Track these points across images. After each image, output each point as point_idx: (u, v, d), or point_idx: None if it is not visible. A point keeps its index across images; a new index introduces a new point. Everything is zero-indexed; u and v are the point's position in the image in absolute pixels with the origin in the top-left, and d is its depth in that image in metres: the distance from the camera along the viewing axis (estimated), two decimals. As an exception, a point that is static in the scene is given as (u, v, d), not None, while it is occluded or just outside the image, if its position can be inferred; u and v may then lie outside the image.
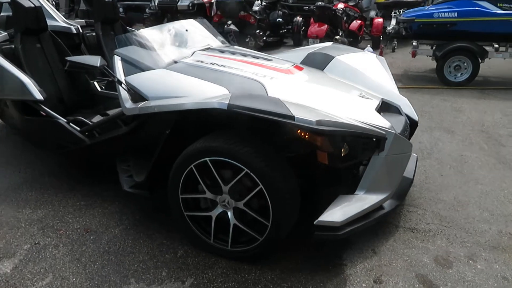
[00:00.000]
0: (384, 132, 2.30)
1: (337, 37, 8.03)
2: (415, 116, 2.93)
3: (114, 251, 2.38)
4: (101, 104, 3.56)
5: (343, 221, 2.14)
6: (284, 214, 2.09)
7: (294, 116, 1.95)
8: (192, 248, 2.40)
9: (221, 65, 2.86)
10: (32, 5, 3.20)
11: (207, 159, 2.13)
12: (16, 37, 3.23)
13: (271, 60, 3.10)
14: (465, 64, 5.99)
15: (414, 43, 6.77)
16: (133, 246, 2.43)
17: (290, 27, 9.42)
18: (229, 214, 2.22)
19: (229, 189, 2.16)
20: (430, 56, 6.40)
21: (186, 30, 3.27)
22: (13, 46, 3.24)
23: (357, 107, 2.57)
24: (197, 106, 2.08)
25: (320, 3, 8.08)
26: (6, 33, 3.41)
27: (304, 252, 2.34)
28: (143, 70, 2.73)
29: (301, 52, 3.61)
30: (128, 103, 2.57)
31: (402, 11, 9.56)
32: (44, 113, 3.18)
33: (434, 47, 6.33)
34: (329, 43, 3.80)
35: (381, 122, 2.55)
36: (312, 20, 8.71)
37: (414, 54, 6.40)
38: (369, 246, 2.42)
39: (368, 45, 7.64)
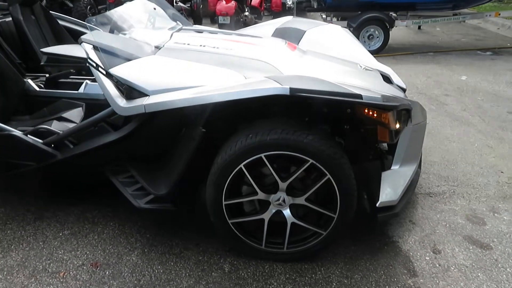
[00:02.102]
0: (410, 103, 2.28)
1: (246, 13, 7.88)
2: (403, 85, 2.99)
3: (148, 284, 1.95)
4: (41, 106, 2.85)
5: (398, 198, 2.10)
6: (351, 202, 1.94)
7: (361, 95, 1.78)
8: (237, 258, 2.10)
9: (214, 47, 2.51)
10: None
11: (262, 155, 1.84)
12: (14, 9, 2.83)
13: (261, 37, 2.83)
14: (377, 32, 6.41)
15: (323, 16, 7.01)
16: (167, 272, 2.02)
17: (189, 5, 8.92)
18: (285, 213, 1.98)
19: (287, 186, 1.91)
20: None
21: (155, 9, 2.78)
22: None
23: (374, 80, 2.50)
24: (255, 93, 1.75)
25: (225, -22, 7.76)
26: None
27: (345, 239, 2.21)
28: (127, 60, 2.24)
29: (266, 28, 3.40)
30: (121, 101, 2.08)
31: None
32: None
33: (347, 19, 6.63)
34: (290, 17, 3.64)
35: (400, 93, 2.54)
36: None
37: (332, 26, 6.59)
38: (404, 218, 2.42)
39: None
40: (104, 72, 2.08)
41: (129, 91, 2.10)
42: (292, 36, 3.13)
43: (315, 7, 6.87)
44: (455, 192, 2.67)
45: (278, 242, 2.05)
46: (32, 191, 2.68)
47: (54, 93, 2.87)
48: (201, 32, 2.89)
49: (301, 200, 1.94)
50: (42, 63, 1.98)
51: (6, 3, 3.43)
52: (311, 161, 1.83)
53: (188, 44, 2.53)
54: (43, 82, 3.01)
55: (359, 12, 6.43)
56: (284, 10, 9.33)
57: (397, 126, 2.04)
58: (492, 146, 3.29)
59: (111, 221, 2.40)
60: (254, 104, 1.95)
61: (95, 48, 2.27)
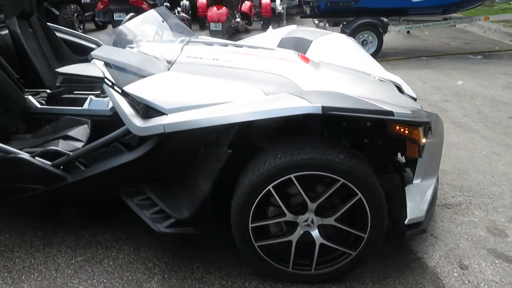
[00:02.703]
0: (428, 114, 2.26)
1: (238, 19, 7.82)
2: (413, 94, 2.96)
3: (172, 313, 1.86)
4: (43, 124, 2.71)
5: (424, 213, 2.06)
6: (382, 221, 1.89)
7: (392, 111, 1.74)
8: (262, 282, 2.02)
9: (227, 60, 2.44)
10: None
11: (292, 175, 1.77)
12: (11, 22, 2.80)
13: (274, 50, 2.77)
14: (371, 38, 6.42)
15: (315, 22, 7.00)
16: (192, 299, 1.93)
17: (178, 11, 8.80)
18: (314, 233, 1.91)
19: (316, 206, 1.85)
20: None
21: (163, 21, 2.68)
22: None
23: (390, 92, 2.47)
24: (286, 112, 1.69)
25: (216, -16, 7.69)
26: None
27: (369, 257, 2.14)
28: (141, 76, 2.15)
29: (271, 38, 3.36)
30: (137, 121, 1.99)
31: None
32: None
33: (341, 25, 6.64)
34: (293, 26, 3.60)
35: (415, 104, 2.51)
36: (204, 3, 8.30)
37: (326, 32, 6.57)
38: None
39: (270, 26, 7.60)
40: (120, 91, 1.98)
41: (145, 110, 2.01)
42: (299, 46, 3.08)
43: (307, 13, 6.85)
44: (472, 203, 2.65)
45: (305, 264, 1.98)
46: (37, 215, 2.55)
47: (57, 109, 2.74)
48: (211, 45, 2.80)
49: (330, 221, 1.88)
50: (57, 84, 1.87)
51: (2, 16, 3.30)
52: (342, 180, 1.78)
53: (201, 58, 2.45)
54: (44, 98, 2.88)
55: (353, 18, 6.44)
56: (274, 16, 9.30)
57: (424, 140, 2.00)
58: (499, 154, 3.30)
59: (125, 244, 2.29)
60: (275, 122, 1.89)
61: (107, 64, 2.17)
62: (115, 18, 7.00)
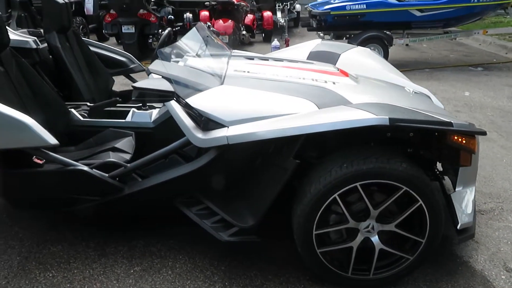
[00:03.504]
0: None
1: (244, 32, 7.95)
2: (441, 105, 3.10)
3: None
4: (86, 136, 2.76)
5: (472, 219, 2.16)
6: (440, 227, 1.98)
7: (451, 122, 1.85)
8: (321, 287, 2.09)
9: (273, 74, 2.54)
10: (63, 2, 3.01)
11: (358, 184, 1.86)
12: (51, 37, 2.92)
13: (313, 63, 2.88)
14: (377, 51, 6.60)
15: (320, 34, 7.17)
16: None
17: (181, 24, 8.90)
18: (373, 239, 2.00)
19: (378, 213, 1.94)
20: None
21: (207, 36, 2.77)
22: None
23: (428, 104, 2.59)
24: (354, 124, 1.78)
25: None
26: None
27: None
28: (198, 90, 2.22)
29: (298, 52, 3.46)
30: (199, 133, 2.06)
31: (284, 5, 10.06)
32: (40, 161, 2.33)
33: (348, 37, 6.82)
34: (318, 40, 3.71)
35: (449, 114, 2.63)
36: (207, 15, 8.42)
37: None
38: (466, 237, 2.49)
39: (275, 39, 7.77)
40: (184, 103, 2.05)
41: (207, 122, 2.08)
42: (328, 60, 3.19)
43: (314, 26, 7.01)
44: (504, 209, 2.77)
45: (363, 269, 2.06)
46: (84, 225, 2.57)
47: (100, 122, 2.79)
48: (252, 59, 2.90)
49: (390, 227, 1.97)
50: (133, 99, 1.93)
51: (38, 30, 3.35)
52: (405, 188, 1.87)
53: (248, 72, 2.54)
54: (86, 111, 2.93)
55: (358, 31, 6.62)
56: (275, 28, 9.47)
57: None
58: (520, 161, 3.45)
59: (179, 254, 2.34)
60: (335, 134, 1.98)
61: (164, 78, 2.24)
62: (123, 31, 7.04)
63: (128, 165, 2.26)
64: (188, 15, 8.89)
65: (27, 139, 2.05)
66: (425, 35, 7.02)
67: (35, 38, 2.88)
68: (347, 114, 1.89)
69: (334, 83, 2.51)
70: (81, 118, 2.80)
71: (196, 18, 9.08)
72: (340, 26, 6.70)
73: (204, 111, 2.09)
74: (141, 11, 7.07)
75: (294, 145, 1.95)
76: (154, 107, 2.92)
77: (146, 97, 1.91)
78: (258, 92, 2.26)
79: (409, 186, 1.87)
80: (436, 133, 2.05)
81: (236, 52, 3.14)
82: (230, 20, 7.68)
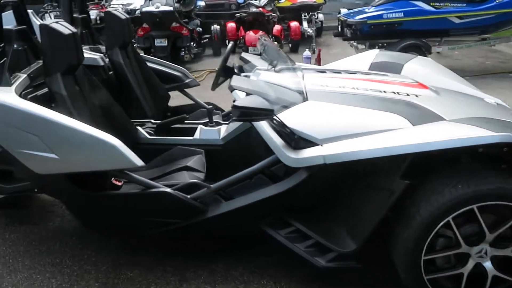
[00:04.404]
0: None
1: (275, 42, 7.88)
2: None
3: None
4: (153, 155, 2.67)
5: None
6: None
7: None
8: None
9: (353, 88, 2.42)
10: (125, 17, 2.98)
11: (474, 206, 1.73)
12: (113, 53, 2.91)
13: (387, 75, 2.76)
14: (415, 59, 6.46)
15: (354, 44, 7.06)
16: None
17: (209, 36, 8.89)
18: (486, 265, 1.85)
19: (494, 237, 1.80)
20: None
21: (280, 49, 2.67)
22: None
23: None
24: (474, 142, 1.66)
25: (254, 9, 7.79)
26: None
27: None
28: (284, 107, 2.12)
29: (358, 63, 3.35)
30: (290, 151, 1.96)
31: (311, 14, 10.01)
32: (119, 183, 2.25)
33: (380, 46, 6.69)
34: (376, 51, 3.60)
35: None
36: (234, 27, 8.39)
37: (370, 55, 6.61)
38: None
39: (307, 49, 7.67)
40: (278, 121, 1.95)
41: (298, 140, 1.98)
42: (391, 70, 3.07)
43: (348, 35, 6.91)
44: None
45: (472, 297, 1.91)
46: (157, 247, 2.47)
47: (168, 140, 2.72)
48: (324, 72, 2.79)
49: (507, 252, 1.83)
50: (234, 118, 1.84)
51: (97, 46, 3.30)
52: (526, 210, 1.73)
53: (327, 86, 2.43)
54: (151, 129, 2.85)
55: (395, 40, 6.50)
56: (303, 39, 9.39)
57: None
58: None
59: (262, 278, 2.22)
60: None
61: (248, 95, 2.15)
62: (156, 44, 7.03)
63: (212, 186, 2.16)
64: (216, 27, 8.88)
65: (115, 161, 1.98)
66: (463, 43, 6.86)
67: (102, 55, 2.83)
68: (459, 131, 1.77)
69: (416, 96, 2.39)
70: (148, 136, 2.73)
71: (223, 30, 9.06)
72: (376, 35, 6.58)
73: (294, 128, 1.99)
74: (174, 24, 7.06)
75: (400, 164, 1.82)
76: (221, 124, 2.83)
77: (247, 116, 1.81)
78: (346, 108, 2.15)
79: (530, 208, 1.73)
80: None
81: (303, 65, 3.04)
82: (260, 31, 7.62)
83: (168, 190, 2.11)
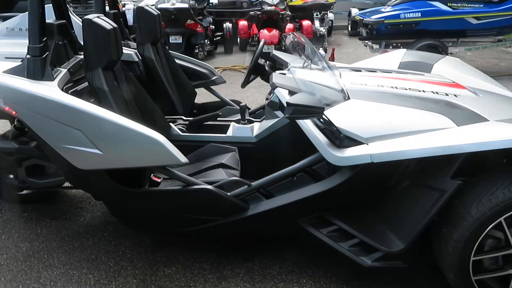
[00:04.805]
0: None
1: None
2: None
3: None
4: (185, 151, 2.64)
5: None
6: None
7: None
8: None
9: (392, 87, 2.40)
10: (157, 14, 2.98)
11: (528, 207, 1.71)
12: (145, 49, 2.89)
13: (423, 74, 2.74)
14: (431, 59, 6.44)
15: (369, 44, 7.02)
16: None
17: (221, 33, 8.86)
18: (535, 266, 1.84)
19: (544, 237, 1.78)
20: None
21: (323, 48, 2.65)
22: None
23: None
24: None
25: (268, 7, 7.76)
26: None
27: None
28: (327, 106, 2.10)
29: (386, 62, 3.33)
30: (335, 150, 1.94)
31: (323, 13, 9.98)
32: (158, 179, 2.24)
33: (394, 46, 6.67)
34: (403, 50, 3.57)
35: None
36: (246, 25, 8.38)
37: (387, 54, 6.58)
38: None
39: (320, 48, 7.66)
40: (325, 119, 1.93)
41: (343, 139, 1.96)
42: (422, 70, 3.05)
43: (364, 35, 6.88)
44: None
45: (517, 298, 1.90)
46: (190, 244, 2.46)
47: (201, 137, 2.70)
48: (359, 71, 2.77)
49: (561, 252, 1.81)
50: (286, 116, 1.81)
51: (127, 42, 3.29)
52: None
53: (366, 84, 2.41)
54: (183, 126, 2.84)
55: (411, 40, 6.47)
56: (315, 38, 9.36)
57: None
58: None
59: (301, 277, 2.21)
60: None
61: (291, 92, 2.14)
62: (171, 41, 7.02)
63: (253, 183, 2.14)
64: (228, 25, 8.85)
65: (160, 157, 1.97)
66: (479, 43, 6.83)
67: (135, 50, 2.82)
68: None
69: (455, 95, 2.37)
70: (180, 133, 2.71)
71: (234, 27, 9.03)
72: (393, 35, 6.56)
73: (340, 127, 1.97)
74: (189, 21, 7.05)
75: (451, 164, 1.81)
76: (253, 121, 2.82)
77: (300, 113, 1.80)
78: (390, 107, 2.14)
79: None
80: None
81: (344, 64, 3.02)
82: (275, 30, 7.60)
83: (210, 187, 2.09)
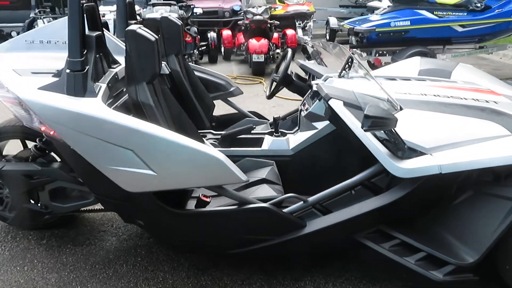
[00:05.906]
0: None
1: (278, 50, 7.87)
2: None
3: None
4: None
5: None
6: None
7: None
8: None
9: (435, 95, 2.39)
10: (180, 24, 2.90)
11: None
12: (171, 60, 2.83)
13: (455, 82, 2.75)
14: (421, 67, 6.57)
15: (358, 51, 7.11)
16: None
17: (206, 43, 8.74)
18: None
19: None
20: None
21: (352, 55, 2.60)
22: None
23: None
24: None
25: (257, 17, 7.71)
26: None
27: None
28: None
29: (404, 70, 3.33)
30: (398, 161, 1.89)
31: (305, 22, 10.07)
32: (207, 199, 2.10)
33: (381, 54, 6.79)
34: (418, 58, 3.60)
35: None
36: (230, 35, 8.33)
37: (379, 62, 6.67)
38: None
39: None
40: (393, 131, 1.87)
41: (404, 150, 1.92)
42: (441, 77, 3.08)
43: (354, 43, 6.95)
44: None
45: None
46: (235, 266, 2.33)
47: (236, 151, 2.58)
48: (395, 80, 2.74)
49: None
50: (364, 128, 1.73)
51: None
52: None
53: (409, 93, 2.38)
54: (214, 140, 2.71)
55: (399, 48, 6.59)
56: (299, 46, 9.40)
57: None
58: None
59: (356, 294, 2.13)
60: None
61: (346, 104, 2.08)
62: (159, 52, 6.82)
63: (309, 199, 2.05)
64: (213, 34, 8.76)
65: (220, 176, 1.85)
66: (465, 50, 7.05)
67: (165, 63, 2.68)
68: None
69: (495, 102, 2.38)
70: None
71: (218, 37, 8.95)
72: (383, 43, 6.66)
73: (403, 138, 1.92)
74: (178, 31, 6.87)
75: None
76: (286, 133, 2.73)
77: (377, 126, 1.73)
78: (444, 115, 2.11)
79: None
80: None
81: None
82: (263, 39, 7.56)
83: (268, 205, 1.99)
